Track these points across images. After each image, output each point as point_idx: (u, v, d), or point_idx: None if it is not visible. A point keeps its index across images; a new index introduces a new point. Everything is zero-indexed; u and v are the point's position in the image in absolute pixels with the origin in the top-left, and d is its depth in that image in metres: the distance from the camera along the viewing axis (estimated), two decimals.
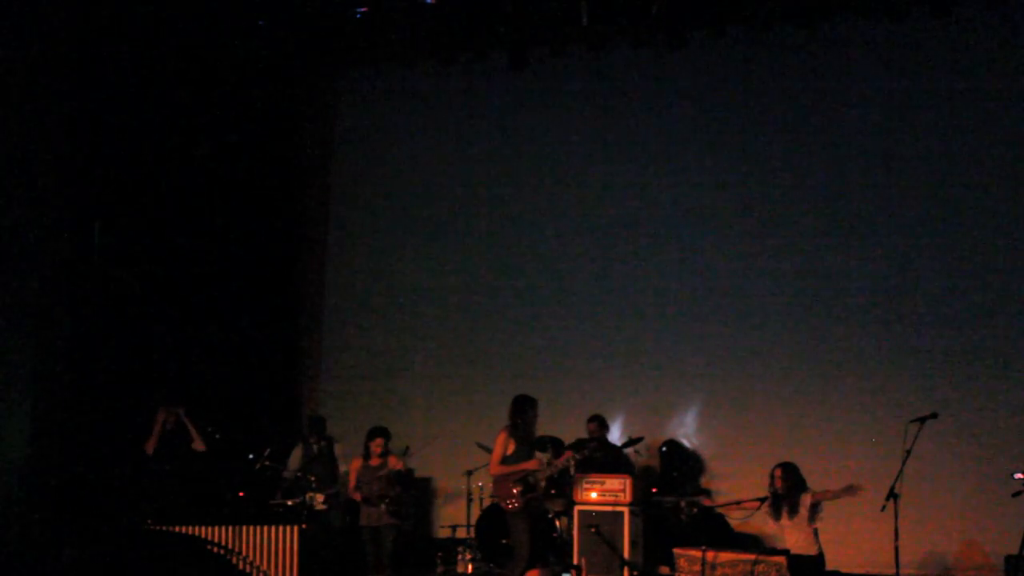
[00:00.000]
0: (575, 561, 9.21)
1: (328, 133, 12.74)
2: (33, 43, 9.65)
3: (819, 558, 8.14)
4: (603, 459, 9.95)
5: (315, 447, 10.34)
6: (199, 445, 9.77)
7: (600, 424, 10.45)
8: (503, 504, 8.77)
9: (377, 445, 9.44)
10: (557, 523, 9.99)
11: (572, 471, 9.27)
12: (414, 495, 11.52)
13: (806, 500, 8.21)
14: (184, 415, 9.77)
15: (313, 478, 9.96)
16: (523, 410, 8.86)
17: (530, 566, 8.50)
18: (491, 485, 10.49)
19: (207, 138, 11.16)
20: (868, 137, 10.87)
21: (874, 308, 10.69)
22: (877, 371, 10.59)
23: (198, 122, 11.08)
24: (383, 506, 9.18)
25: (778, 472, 8.30)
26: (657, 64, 11.40)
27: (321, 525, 9.80)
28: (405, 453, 9.92)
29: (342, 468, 10.14)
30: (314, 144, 12.71)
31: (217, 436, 9.97)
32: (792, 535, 8.23)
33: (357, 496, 9.39)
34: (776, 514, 8.30)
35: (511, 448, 8.78)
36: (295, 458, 10.42)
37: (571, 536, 9.47)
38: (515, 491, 8.61)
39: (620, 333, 11.47)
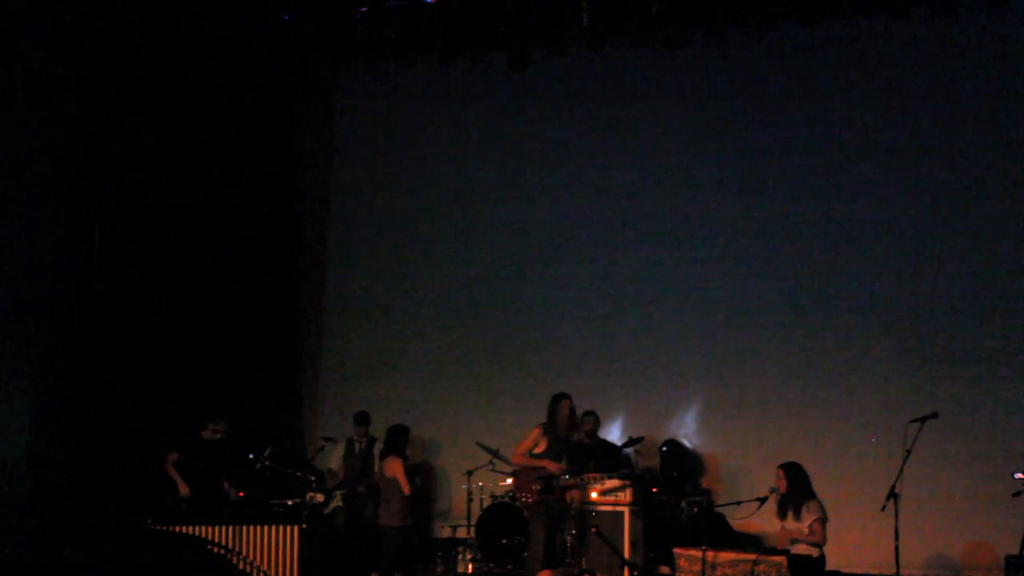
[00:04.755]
0: (573, 559, 9.20)
1: (328, 133, 12.74)
2: (33, 44, 9.65)
3: (820, 560, 8.10)
4: (600, 458, 9.96)
5: (358, 445, 10.42)
6: (183, 489, 9.76)
7: (595, 419, 10.53)
8: (521, 496, 8.74)
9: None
10: None
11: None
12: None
13: (809, 514, 8.14)
14: (172, 464, 9.78)
15: (314, 478, 9.98)
16: (562, 411, 8.81)
17: (542, 567, 8.47)
18: (491, 485, 10.57)
19: (207, 138, 11.17)
20: (868, 137, 10.87)
21: (874, 308, 10.69)
22: (877, 371, 10.59)
23: (198, 122, 11.08)
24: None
25: (780, 472, 8.28)
26: (657, 64, 11.41)
27: (322, 525, 9.81)
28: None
29: (377, 468, 10.20)
30: (314, 144, 12.71)
31: (218, 436, 9.98)
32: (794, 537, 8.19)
33: (408, 490, 9.52)
34: (781, 514, 8.26)
35: (542, 446, 8.76)
36: (336, 458, 10.56)
37: (571, 535, 9.46)
38: (535, 488, 8.65)
39: (620, 333, 11.47)
